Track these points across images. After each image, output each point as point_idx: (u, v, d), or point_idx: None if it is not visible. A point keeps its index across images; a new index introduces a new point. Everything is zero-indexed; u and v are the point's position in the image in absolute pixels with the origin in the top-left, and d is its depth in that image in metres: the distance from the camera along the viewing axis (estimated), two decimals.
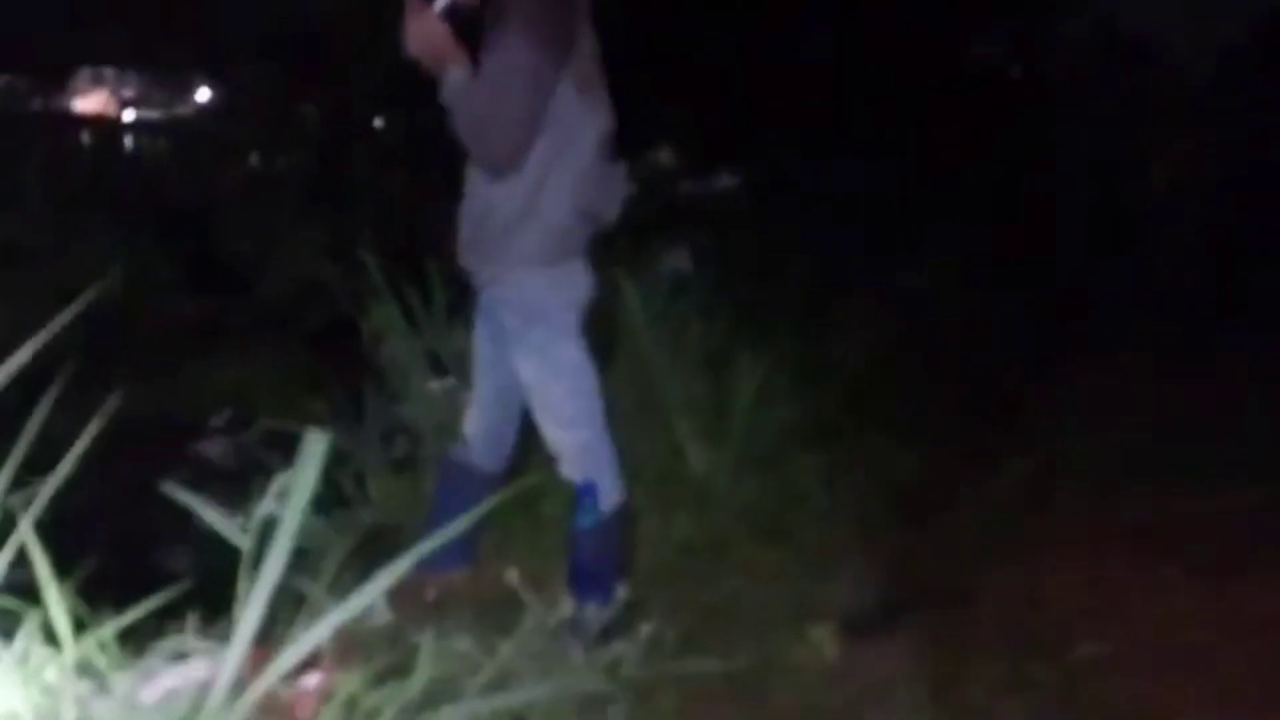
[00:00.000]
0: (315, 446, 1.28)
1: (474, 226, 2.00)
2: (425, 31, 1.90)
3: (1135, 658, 2.12)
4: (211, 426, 3.67)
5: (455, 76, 1.90)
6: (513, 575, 1.75)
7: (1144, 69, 4.53)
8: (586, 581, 1.95)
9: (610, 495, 2.05)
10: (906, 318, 4.17)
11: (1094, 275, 4.66)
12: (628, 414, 2.89)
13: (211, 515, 1.30)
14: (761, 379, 3.06)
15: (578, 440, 2.02)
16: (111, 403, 1.30)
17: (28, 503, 1.26)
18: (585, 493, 2.00)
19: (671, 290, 3.41)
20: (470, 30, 1.92)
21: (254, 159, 6.92)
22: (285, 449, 2.64)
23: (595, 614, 1.78)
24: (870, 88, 5.93)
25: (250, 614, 1.21)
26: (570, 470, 2.04)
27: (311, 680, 1.44)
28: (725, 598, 2.44)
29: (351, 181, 5.20)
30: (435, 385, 2.93)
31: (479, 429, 2.20)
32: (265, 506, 1.31)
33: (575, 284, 2.03)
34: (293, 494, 1.24)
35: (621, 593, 1.86)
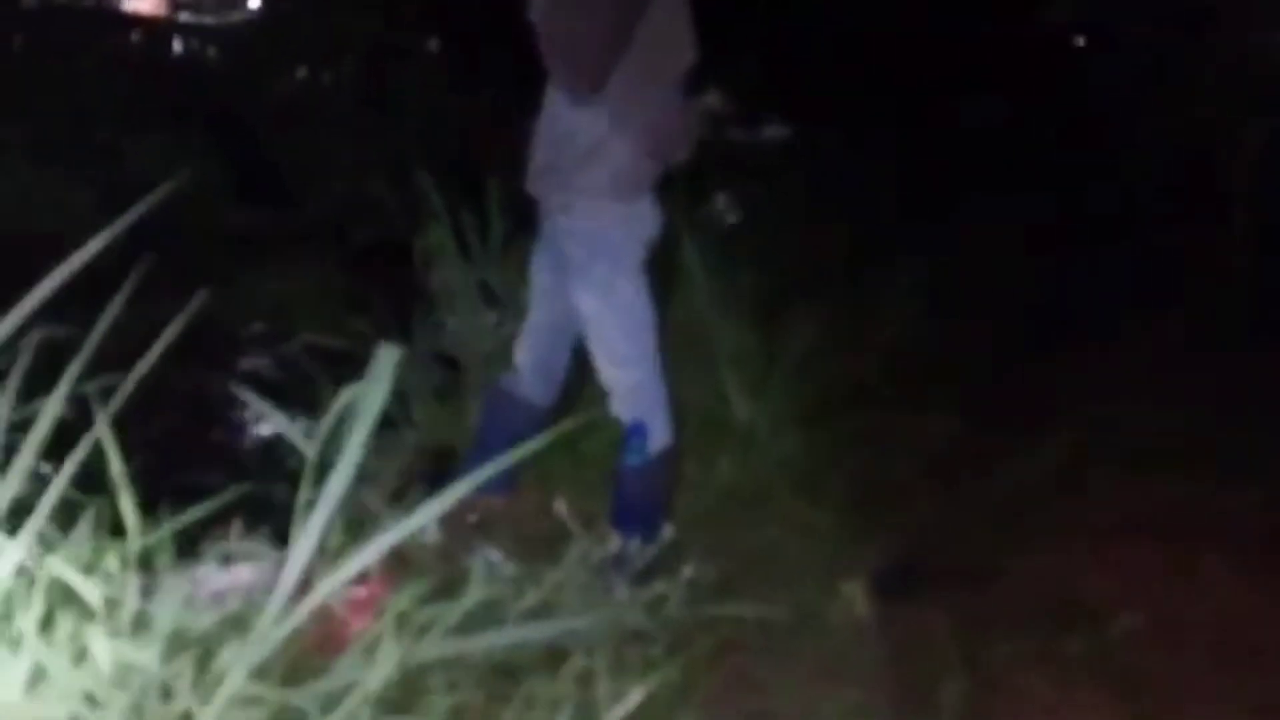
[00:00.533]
0: (386, 361, 1.27)
1: (550, 151, 1.96)
2: None
3: (1168, 635, 2.09)
4: (253, 338, 3.68)
5: None
6: (561, 507, 1.75)
7: (1217, 42, 4.33)
8: (631, 519, 1.95)
9: (659, 437, 2.03)
10: (951, 284, 4.11)
11: (1148, 251, 4.55)
12: (677, 360, 2.88)
13: (282, 423, 1.30)
14: (808, 337, 3.03)
15: (631, 379, 2.00)
16: (194, 303, 1.29)
17: (100, 397, 1.26)
18: (635, 432, 1.99)
19: (724, 239, 3.36)
20: None
21: (303, 71, 6.84)
22: (330, 364, 2.67)
23: (638, 551, 1.78)
24: (926, 50, 5.78)
25: (314, 524, 1.21)
26: (621, 408, 2.02)
27: (362, 593, 1.45)
28: (762, 547, 2.44)
29: (406, 99, 5.13)
30: (485, 313, 2.91)
31: (530, 360, 2.19)
32: (330, 417, 1.30)
33: (644, 220, 2.01)
34: (361, 408, 1.23)
35: (666, 533, 1.86)
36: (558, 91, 1.94)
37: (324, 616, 1.32)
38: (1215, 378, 3.45)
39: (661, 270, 3.20)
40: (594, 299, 1.99)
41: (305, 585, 1.26)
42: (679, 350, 2.89)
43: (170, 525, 1.35)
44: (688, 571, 1.76)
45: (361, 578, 1.38)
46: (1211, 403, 3.21)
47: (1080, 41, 5.84)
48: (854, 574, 2.31)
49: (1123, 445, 2.98)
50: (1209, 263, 4.26)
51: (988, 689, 1.96)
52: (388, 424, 2.64)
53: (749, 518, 2.58)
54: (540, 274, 2.14)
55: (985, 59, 5.74)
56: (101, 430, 1.21)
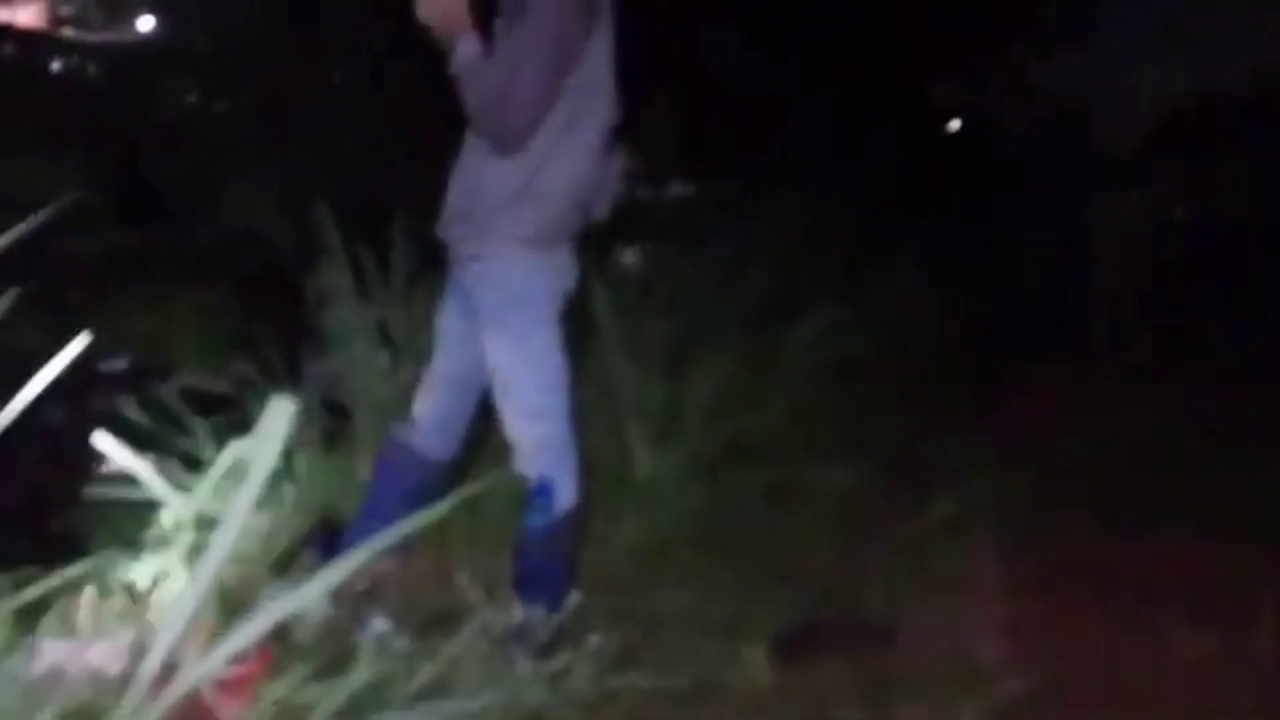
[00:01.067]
0: (279, 415, 1.15)
1: (466, 199, 1.91)
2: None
3: (1058, 695, 2.12)
4: (122, 376, 3.41)
5: (468, 49, 1.82)
6: (459, 573, 1.64)
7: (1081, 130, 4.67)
8: (534, 585, 1.86)
9: (565, 497, 1.95)
10: (853, 339, 4.22)
11: (1031, 320, 4.79)
12: (584, 412, 2.82)
13: (152, 479, 1.16)
14: (713, 388, 3.02)
15: (540, 434, 1.93)
16: (74, 344, 1.15)
17: None
18: (540, 492, 1.90)
19: (634, 291, 3.33)
20: (485, 2, 1.82)
21: (193, 96, 6.56)
22: (207, 409, 2.48)
23: (542, 621, 1.68)
24: (827, 119, 6.00)
25: (185, 599, 1.07)
26: (526, 465, 1.94)
27: (235, 674, 1.31)
28: (666, 610, 2.39)
29: (307, 129, 4.95)
30: (381, 357, 2.77)
31: (430, 411, 2.08)
32: (211, 477, 1.18)
33: (561, 271, 1.96)
34: (251, 468, 1.11)
35: (572, 600, 1.77)
36: (478, 139, 1.88)
37: (191, 704, 1.18)
38: (1088, 440, 3.63)
39: (572, 321, 3.16)
40: (507, 349, 1.91)
41: (170, 667, 1.12)
42: (586, 402, 2.84)
43: (8, 601, 1.18)
44: (593, 641, 1.68)
45: (236, 657, 1.24)
46: (1085, 462, 3.36)
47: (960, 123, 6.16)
48: (756, 636, 2.29)
49: (1004, 505, 3.07)
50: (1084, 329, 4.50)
51: None
52: (271, 478, 2.47)
53: (653, 578, 2.53)
54: (449, 321, 2.04)
55: (883, 131, 5.99)
56: None
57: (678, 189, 5.62)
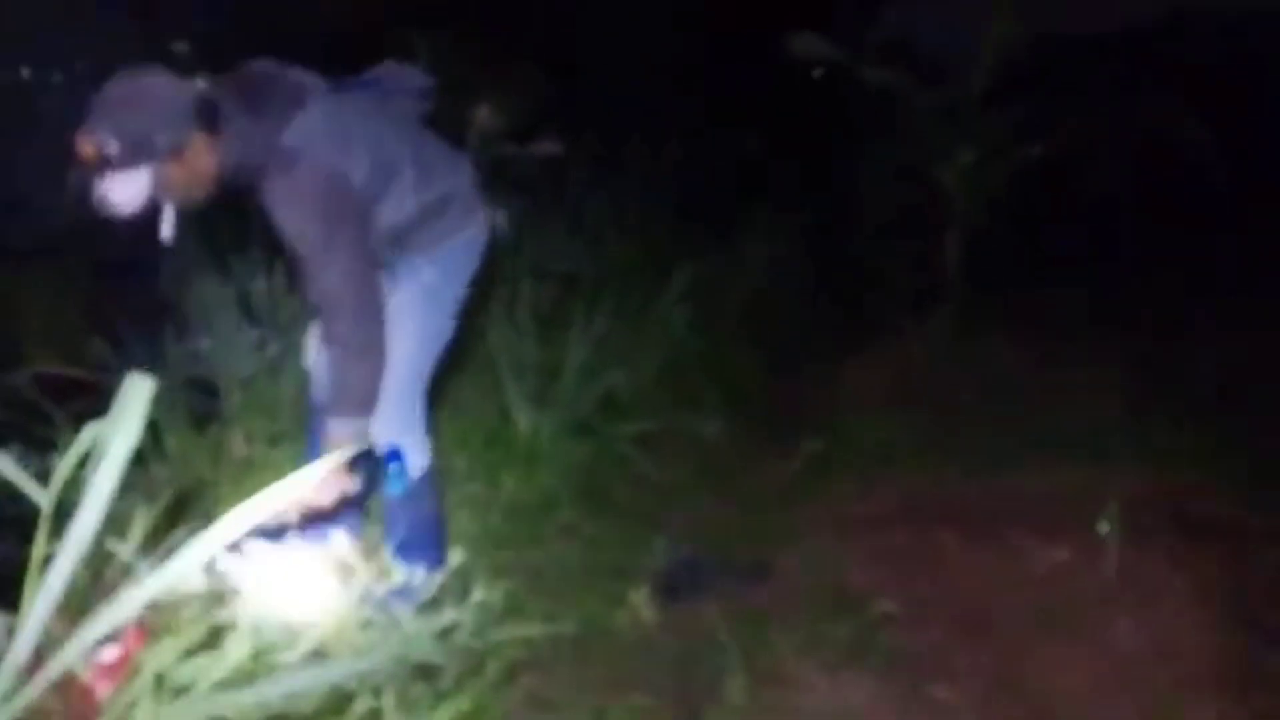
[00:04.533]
0: (137, 393, 1.15)
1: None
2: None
3: (918, 615, 2.29)
4: None
5: (343, 430, 1.83)
6: (340, 542, 1.67)
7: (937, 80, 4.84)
8: (409, 549, 1.90)
9: (418, 460, 2.01)
10: (719, 296, 4.32)
11: (887, 270, 4.97)
12: (461, 374, 2.83)
13: (8, 467, 1.15)
14: (589, 347, 3.07)
15: (395, 388, 1.94)
16: None
17: None
18: (392, 457, 1.95)
19: (503, 252, 3.33)
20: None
21: (28, 70, 6.08)
22: (66, 396, 2.38)
23: (424, 580, 1.73)
24: (691, 78, 6.05)
25: (51, 582, 1.08)
26: (378, 428, 1.95)
27: (112, 654, 1.31)
28: (549, 561, 2.45)
29: None
30: (247, 331, 2.71)
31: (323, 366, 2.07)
32: (69, 459, 1.17)
33: (477, 242, 2.04)
34: (109, 448, 1.11)
35: (454, 557, 1.82)
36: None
37: (67, 686, 1.18)
38: (949, 383, 3.83)
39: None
40: (407, 296, 1.96)
41: (42, 652, 1.13)
42: (463, 364, 2.85)
43: None
44: (477, 595, 1.73)
45: (111, 637, 1.24)
46: (934, 409, 3.54)
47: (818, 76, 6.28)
48: (639, 580, 2.37)
49: (865, 446, 3.24)
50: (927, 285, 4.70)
51: (767, 680, 2.08)
52: (137, 460, 2.40)
53: (535, 532, 2.59)
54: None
55: (743, 89, 6.09)
56: None
57: (546, 147, 5.57)
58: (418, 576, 1.72)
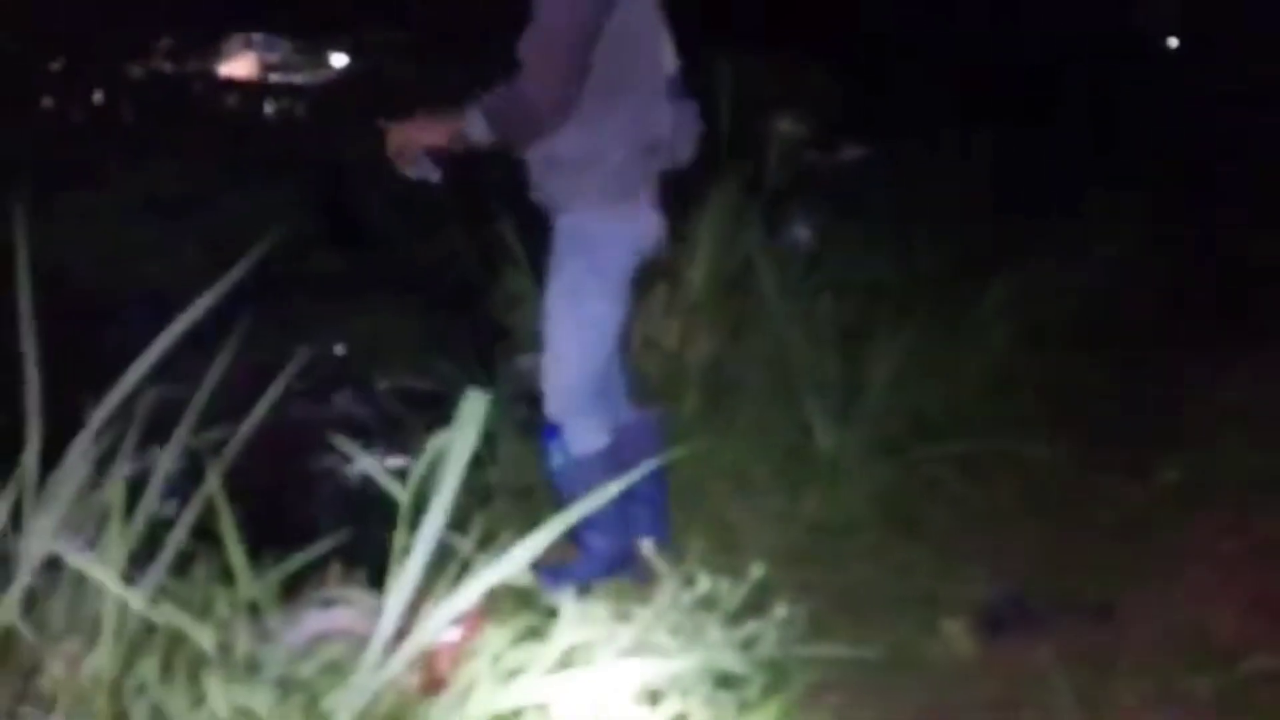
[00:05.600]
0: (474, 406, 1.29)
1: (539, 171, 2.08)
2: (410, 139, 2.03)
3: None
4: (342, 381, 3.76)
5: (472, 128, 1.98)
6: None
7: None
8: (579, 529, 1.94)
9: (583, 442, 2.07)
10: (1050, 304, 3.98)
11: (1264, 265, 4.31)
12: (757, 389, 2.85)
13: (375, 469, 1.32)
14: (895, 361, 2.96)
15: (562, 380, 2.05)
16: (299, 359, 1.35)
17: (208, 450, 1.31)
18: (548, 435, 2.05)
19: (804, 265, 3.32)
20: None
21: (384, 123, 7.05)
22: (417, 406, 2.72)
23: (585, 564, 1.78)
24: (1016, 61, 5.68)
25: (410, 569, 1.22)
26: (549, 407, 2.08)
27: (455, 636, 1.46)
28: (855, 583, 2.38)
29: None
30: None
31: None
32: (422, 463, 1.32)
33: (634, 225, 2.08)
34: (452, 453, 1.25)
35: (754, 571, 1.82)
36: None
37: (422, 660, 1.33)
38: None
39: (737, 299, 3.19)
40: (561, 294, 2.06)
41: (403, 629, 1.28)
42: (759, 380, 2.87)
43: (276, 572, 1.38)
44: (780, 611, 1.72)
45: (455, 621, 1.39)
46: None
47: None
48: (955, 610, 2.24)
49: (1242, 473, 2.82)
50: None
51: None
52: (475, 463, 2.67)
53: (840, 552, 2.52)
54: None
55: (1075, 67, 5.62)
56: (213, 484, 1.26)
57: (851, 152, 5.45)
58: (598, 553, 1.77)
